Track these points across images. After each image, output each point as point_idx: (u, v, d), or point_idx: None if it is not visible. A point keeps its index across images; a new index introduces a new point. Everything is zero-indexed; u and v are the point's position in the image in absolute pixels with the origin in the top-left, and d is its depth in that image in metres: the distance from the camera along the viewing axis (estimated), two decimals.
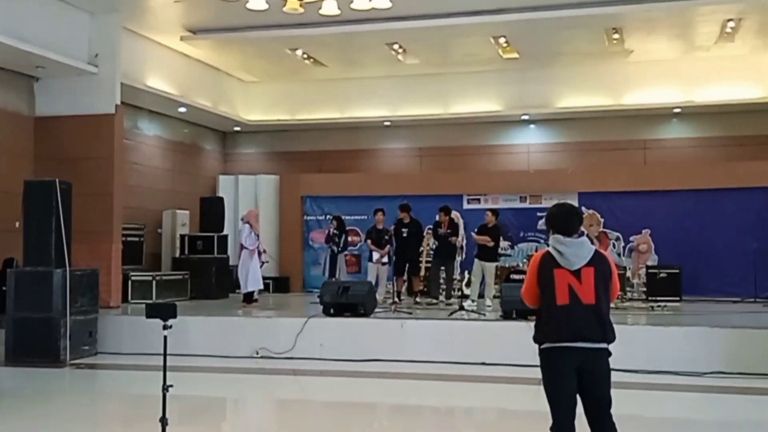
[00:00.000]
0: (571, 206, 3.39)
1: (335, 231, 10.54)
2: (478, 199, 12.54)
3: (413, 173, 13.43)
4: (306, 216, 13.09)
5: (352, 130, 13.62)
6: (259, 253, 9.64)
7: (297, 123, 13.52)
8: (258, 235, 9.50)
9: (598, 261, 3.18)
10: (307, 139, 13.97)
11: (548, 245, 3.23)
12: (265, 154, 14.40)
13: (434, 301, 10.18)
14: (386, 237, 9.99)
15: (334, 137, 13.77)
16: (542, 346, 3.25)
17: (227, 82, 13.17)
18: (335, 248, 10.40)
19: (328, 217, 11.36)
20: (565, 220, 3.27)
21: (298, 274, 12.39)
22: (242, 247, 9.53)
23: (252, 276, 9.51)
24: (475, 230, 10.06)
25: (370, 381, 6.75)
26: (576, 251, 3.18)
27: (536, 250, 11.28)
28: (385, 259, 9.91)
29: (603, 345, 3.18)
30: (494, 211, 10.11)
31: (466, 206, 12.51)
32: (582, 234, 3.27)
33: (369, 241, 10.07)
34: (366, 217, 11.51)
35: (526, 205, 12.38)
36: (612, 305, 3.34)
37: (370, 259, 10.03)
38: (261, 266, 9.66)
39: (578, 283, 3.13)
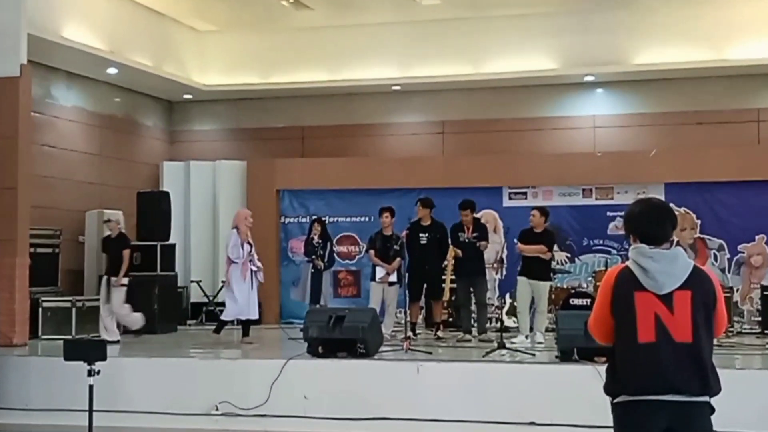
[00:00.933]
0: (660, 202, 3.46)
1: (318, 240, 10.82)
2: (524, 194, 12.81)
3: (433, 158, 13.68)
4: (284, 218, 13.39)
5: (347, 98, 13.97)
6: (253, 272, 9.87)
7: (270, 88, 13.86)
8: (251, 245, 9.82)
9: (697, 282, 3.23)
10: (284, 111, 14.30)
11: (625, 258, 3.41)
12: (227, 131, 14.74)
13: (465, 336, 10.46)
14: (395, 247, 10.15)
15: (322, 108, 14.14)
16: (617, 400, 3.33)
17: (174, 33, 13.52)
18: (319, 263, 10.69)
19: (313, 218, 11.52)
20: (651, 223, 3.32)
21: (274, 298, 12.57)
22: (230, 261, 9.83)
23: (235, 300, 9.88)
24: (516, 238, 10.16)
25: None
26: (667, 268, 3.22)
27: (607, 265, 11.61)
28: (394, 278, 10.10)
29: (703, 398, 3.26)
30: (543, 211, 10.17)
31: (506, 203, 12.83)
32: (674, 243, 3.34)
33: (372, 253, 10.27)
34: (367, 219, 11.83)
35: (591, 201, 12.67)
36: (715, 342, 3.47)
37: (373, 277, 10.26)
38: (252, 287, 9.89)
39: (669, 313, 3.19)
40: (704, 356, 3.18)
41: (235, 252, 9.79)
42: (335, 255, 11.32)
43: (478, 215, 10.71)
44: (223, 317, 10.11)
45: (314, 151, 14.18)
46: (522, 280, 9.90)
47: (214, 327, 10.24)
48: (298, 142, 14.52)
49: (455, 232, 10.45)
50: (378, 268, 10.12)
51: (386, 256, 10.36)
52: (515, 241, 10.14)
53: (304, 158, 14.06)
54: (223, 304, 11.47)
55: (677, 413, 3.22)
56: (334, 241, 11.71)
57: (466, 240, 10.42)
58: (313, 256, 10.77)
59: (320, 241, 10.80)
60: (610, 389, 3.31)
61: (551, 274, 10.31)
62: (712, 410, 3.33)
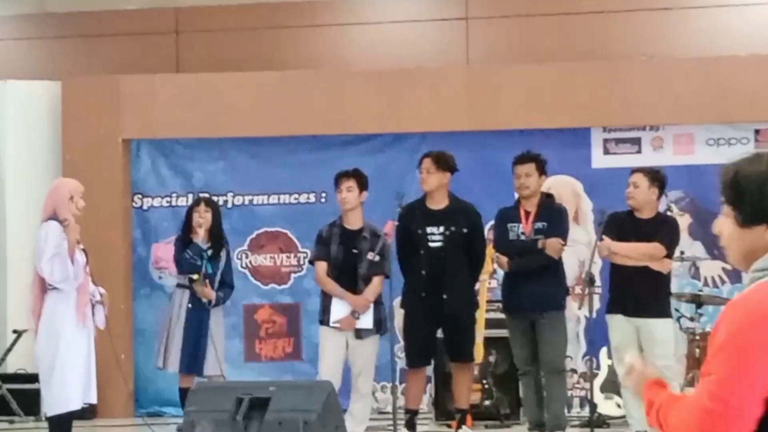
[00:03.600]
0: None
1: (206, 240, 7.78)
2: (635, 141, 8.85)
3: (447, 67, 9.66)
4: (140, 198, 9.57)
5: None
6: (92, 305, 7.14)
7: None
8: (86, 253, 7.08)
9: None
10: None
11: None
12: (21, 20, 10.34)
13: None
14: (370, 254, 7.40)
15: None
16: None
17: None
18: (205, 289, 7.61)
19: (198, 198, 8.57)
20: None
21: (126, 362, 8.88)
22: (44, 287, 7.01)
23: (69, 370, 6.89)
24: (601, 230, 7.50)
25: None
26: None
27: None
28: (368, 320, 7.38)
29: None
30: (654, 175, 7.26)
31: (598, 161, 8.92)
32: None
33: (321, 267, 7.57)
34: (313, 198, 9.01)
35: None
36: None
37: (323, 319, 7.50)
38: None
39: None
40: None
41: (61, 267, 6.88)
42: (239, 272, 8.78)
43: (546, 188, 7.89)
44: (51, 413, 7.05)
45: (200, 59, 9.81)
46: (616, 320, 7.33)
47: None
48: (168, 40, 9.95)
49: (503, 222, 7.65)
50: (334, 301, 7.40)
51: (350, 275, 7.49)
52: (601, 236, 7.40)
53: (181, 73, 9.80)
54: (21, 379, 9.05)
55: None
56: (245, 246, 9.06)
57: (523, 236, 7.51)
58: (193, 275, 7.64)
59: (209, 244, 7.78)
60: None
61: (670, 304, 7.52)
62: None
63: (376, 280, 7.49)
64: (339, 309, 7.41)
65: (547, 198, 7.67)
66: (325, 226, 7.65)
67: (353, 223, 7.56)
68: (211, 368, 7.58)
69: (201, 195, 8.48)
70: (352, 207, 7.51)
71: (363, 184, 7.51)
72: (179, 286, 7.75)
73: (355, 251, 7.52)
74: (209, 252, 7.71)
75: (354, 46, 10.32)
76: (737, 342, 2.01)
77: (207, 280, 7.65)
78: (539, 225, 7.48)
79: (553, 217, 7.57)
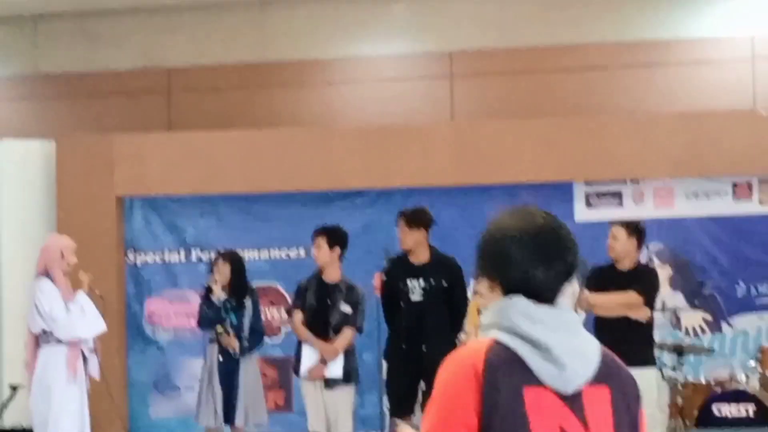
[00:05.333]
0: (552, 220, 2.33)
1: (227, 295, 7.70)
2: (616, 195, 9.00)
3: (432, 124, 9.83)
4: (133, 253, 9.58)
5: (258, 10, 10.16)
6: (85, 359, 7.30)
7: None
8: (95, 300, 7.45)
9: (613, 371, 2.37)
10: (131, 40, 10.30)
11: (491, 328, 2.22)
12: (19, 81, 10.47)
13: None
14: (342, 306, 7.62)
15: (213, 32, 10.24)
16: None
17: None
18: (229, 339, 7.72)
19: (204, 255, 9.10)
20: (542, 254, 2.29)
21: (122, 410, 9.02)
22: (37, 341, 7.23)
23: (57, 427, 7.07)
24: (583, 283, 7.56)
25: None
26: (572, 342, 2.29)
27: None
28: (338, 369, 7.39)
29: None
30: (633, 228, 7.36)
31: (582, 213, 9.02)
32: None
33: (297, 316, 7.67)
34: (303, 253, 9.04)
35: (753, 207, 8.91)
36: None
37: (296, 368, 7.54)
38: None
39: (581, 425, 2.29)
40: None
41: (59, 319, 7.13)
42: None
43: None
44: None
45: (191, 117, 9.90)
46: None
47: None
48: (160, 99, 10.10)
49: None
50: (305, 348, 7.39)
51: (322, 325, 7.51)
52: (583, 288, 7.45)
53: (173, 132, 9.88)
54: None
55: None
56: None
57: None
58: (217, 327, 7.77)
59: (230, 297, 7.85)
60: None
61: (654, 353, 7.49)
62: None
63: (348, 331, 7.51)
64: (309, 357, 7.39)
65: None
66: (305, 278, 7.72)
67: (331, 277, 7.60)
68: (241, 418, 7.54)
69: (219, 250, 8.37)
70: (324, 263, 7.56)
71: (336, 240, 7.52)
72: (210, 341, 7.77)
73: (328, 302, 7.55)
74: (231, 303, 7.72)
75: (342, 103, 10.38)
76: (440, 393, 2.10)
77: (231, 331, 7.60)
78: None
79: None
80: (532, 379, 2.12)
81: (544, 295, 2.19)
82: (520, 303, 2.18)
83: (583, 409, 2.16)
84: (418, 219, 7.69)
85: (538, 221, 2.23)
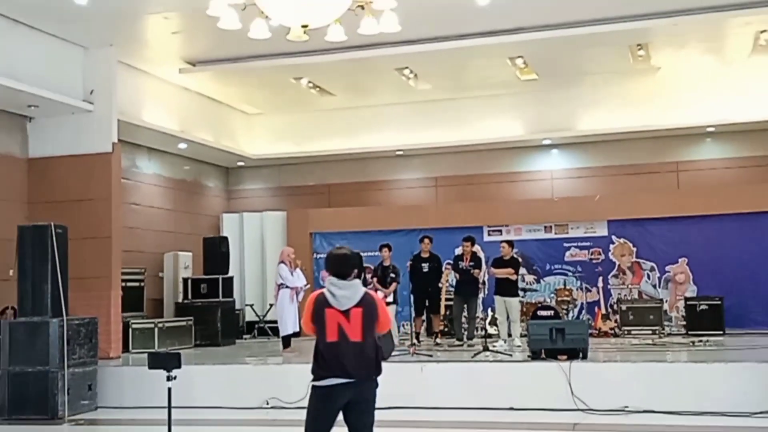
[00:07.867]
0: (347, 251, 4.50)
1: (385, 269, 11.63)
2: (500, 231, 14.49)
3: (429, 205, 15.31)
4: (315, 254, 15.08)
5: (362, 161, 15.68)
6: (297, 294, 10.95)
7: (303, 155, 15.66)
8: (300, 268, 11.06)
9: (366, 302, 4.33)
10: (314, 172, 16.03)
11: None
12: (271, 189, 16.60)
13: (456, 342, 11.83)
14: (392, 275, 11.42)
15: (343, 169, 15.79)
16: (314, 383, 4.28)
17: (229, 115, 15.30)
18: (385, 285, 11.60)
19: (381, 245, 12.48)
20: (338, 264, 4.41)
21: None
22: (278, 288, 10.88)
23: (288, 317, 10.88)
24: (490, 265, 11.76)
25: (389, 431, 6.81)
26: (347, 293, 4.30)
27: (565, 284, 13.87)
28: (390, 299, 11.19)
29: (369, 378, 4.22)
30: (510, 243, 11.78)
31: (486, 238, 14.52)
32: (357, 276, 4.45)
33: (375, 280, 11.56)
34: (377, 253, 12.78)
35: (552, 235, 14.32)
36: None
37: None
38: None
39: (347, 322, 4.26)
40: (368, 351, 4.23)
41: (291, 279, 10.93)
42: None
43: (474, 249, 12.33)
44: (284, 333, 11.14)
45: (338, 202, 15.76)
46: (498, 298, 11.61)
47: (281, 344, 11.28)
48: (326, 195, 16.08)
49: (456, 261, 12.07)
50: (378, 292, 10.90)
51: (384, 283, 11.59)
52: (490, 267, 11.83)
53: (331, 208, 15.61)
54: (271, 322, 13.20)
55: (353, 389, 4.27)
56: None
57: (465, 267, 11.88)
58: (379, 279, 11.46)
59: (386, 267, 11.53)
60: (314, 371, 4.33)
61: (519, 291, 11.86)
62: (377, 384, 4.45)
63: (393, 285, 10.95)
64: (379, 295, 9.32)
65: (474, 252, 11.85)
66: (376, 264, 11.31)
67: (386, 263, 11.13)
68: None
69: (382, 243, 11.65)
70: (385, 258, 11.07)
71: (389, 248, 11.00)
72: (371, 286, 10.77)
73: (386, 274, 10.99)
74: (388, 270, 10.98)
75: (392, 196, 15.37)
76: (306, 307, 4.40)
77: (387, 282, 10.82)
78: (471, 263, 11.61)
79: (476, 260, 11.74)
80: (329, 305, 4.27)
81: (341, 277, 4.28)
82: (332, 278, 4.31)
83: (349, 315, 4.20)
84: (428, 239, 11.73)
85: (341, 251, 4.35)
